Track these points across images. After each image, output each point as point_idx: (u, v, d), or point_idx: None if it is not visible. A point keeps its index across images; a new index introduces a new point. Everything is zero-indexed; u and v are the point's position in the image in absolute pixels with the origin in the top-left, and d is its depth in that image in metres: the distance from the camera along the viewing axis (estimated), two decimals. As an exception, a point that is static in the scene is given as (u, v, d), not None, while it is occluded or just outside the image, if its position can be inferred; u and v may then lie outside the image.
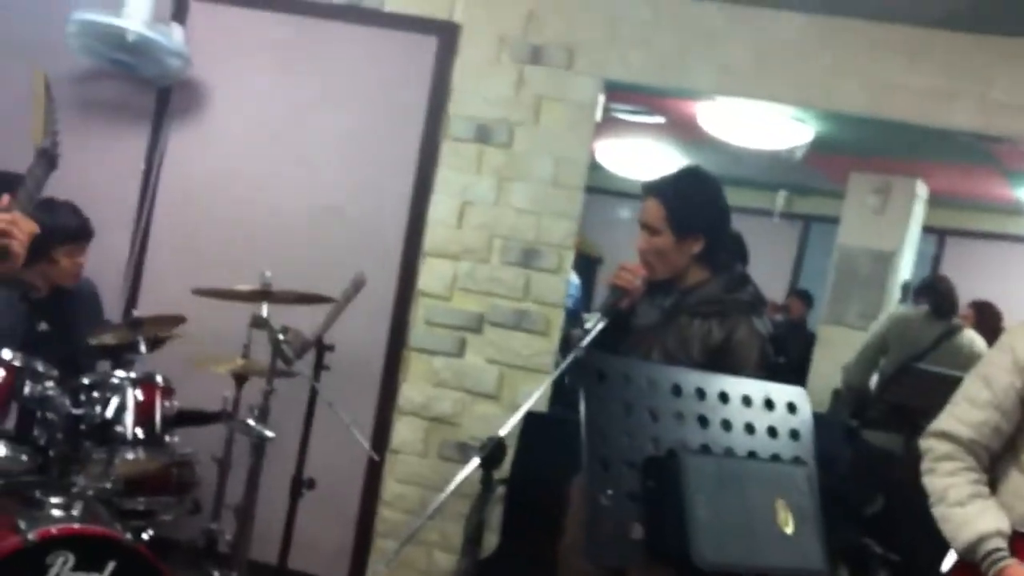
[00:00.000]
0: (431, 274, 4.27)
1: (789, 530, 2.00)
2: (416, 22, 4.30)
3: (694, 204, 2.91)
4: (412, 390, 4.28)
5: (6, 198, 1.99)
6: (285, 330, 3.39)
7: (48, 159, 2.08)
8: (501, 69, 4.26)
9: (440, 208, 4.27)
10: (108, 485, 3.04)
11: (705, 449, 2.06)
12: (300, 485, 3.45)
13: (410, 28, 4.31)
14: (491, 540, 3.87)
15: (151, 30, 4.10)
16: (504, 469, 3.51)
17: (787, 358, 5.49)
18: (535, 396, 2.77)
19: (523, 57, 4.25)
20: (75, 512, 2.89)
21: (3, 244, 1.92)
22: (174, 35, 4.23)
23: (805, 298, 7.64)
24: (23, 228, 1.96)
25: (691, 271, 2.92)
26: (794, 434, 2.17)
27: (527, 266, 4.22)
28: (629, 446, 2.01)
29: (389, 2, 4.33)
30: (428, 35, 4.30)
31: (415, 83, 4.28)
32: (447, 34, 4.28)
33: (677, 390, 2.11)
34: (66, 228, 3.49)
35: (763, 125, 5.38)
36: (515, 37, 4.25)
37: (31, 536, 2.71)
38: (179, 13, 4.37)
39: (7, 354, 3.02)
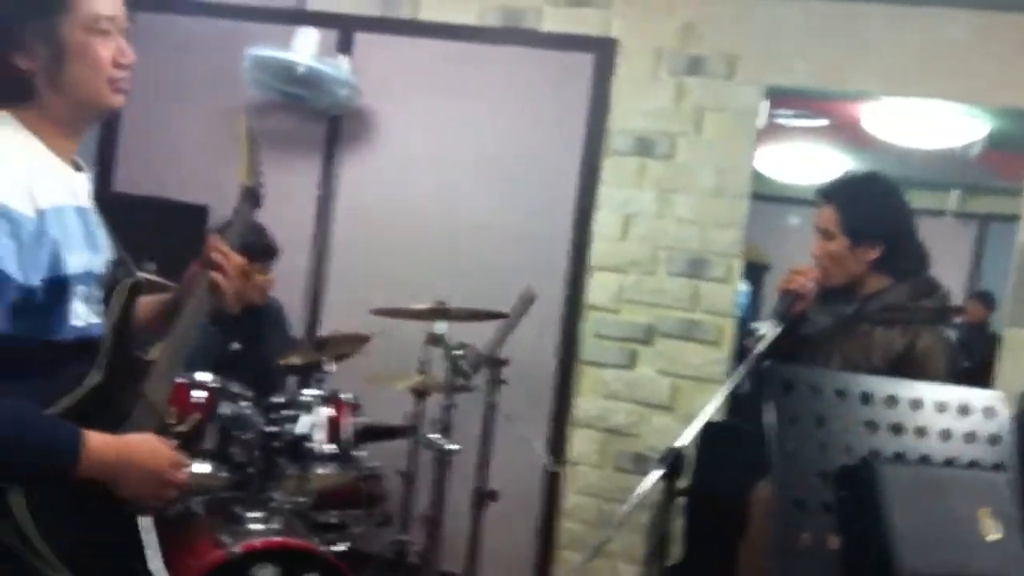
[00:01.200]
0: (598, 287, 4.31)
1: (994, 538, 1.95)
2: (573, 40, 4.36)
3: (869, 210, 2.85)
4: (586, 402, 4.32)
5: (215, 237, 2.03)
6: (461, 346, 3.47)
7: (253, 198, 2.13)
8: (660, 82, 4.28)
9: (604, 222, 4.31)
10: (303, 499, 3.18)
11: (899, 457, 2.03)
12: (483, 497, 3.52)
13: (567, 47, 4.37)
14: (674, 551, 3.87)
15: (320, 62, 4.28)
16: (684, 480, 3.51)
17: (970, 362, 5.27)
18: (713, 405, 2.77)
19: (682, 69, 4.25)
20: (275, 526, 3.04)
21: (215, 279, 1.97)
22: (342, 66, 4.39)
23: (986, 300, 7.29)
24: (233, 263, 2.00)
25: (869, 278, 2.85)
26: (994, 439, 2.11)
27: (694, 276, 4.22)
28: (820, 456, 1.99)
29: (546, 22, 4.40)
30: (586, 52, 4.35)
31: (575, 100, 4.34)
32: (604, 50, 4.32)
33: (867, 398, 2.07)
34: (254, 245, 3.67)
35: (931, 124, 5.20)
36: (673, 49, 4.26)
37: (235, 549, 2.85)
38: (345, 44, 4.55)
39: (205, 376, 3.21)
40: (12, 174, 1.64)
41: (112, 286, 1.86)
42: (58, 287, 1.69)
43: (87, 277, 1.77)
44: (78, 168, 1.83)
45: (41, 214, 1.66)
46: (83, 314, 1.76)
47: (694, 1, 4.25)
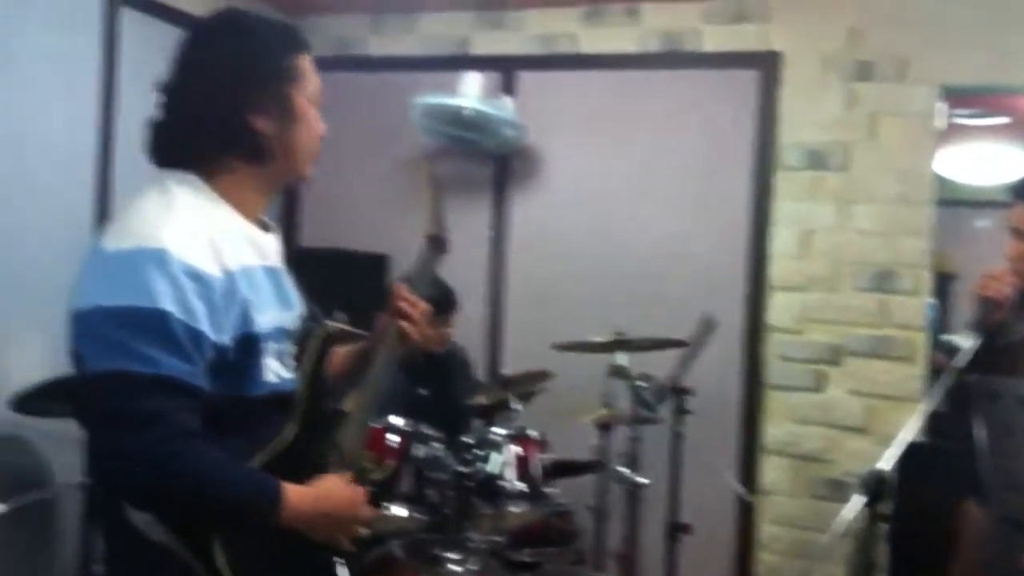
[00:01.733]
0: (779, 308, 4.21)
1: None
2: (735, 57, 4.31)
3: None
4: (775, 428, 4.21)
5: (401, 286, 2.06)
6: (644, 377, 3.44)
7: (439, 245, 2.17)
8: (829, 91, 4.16)
9: (781, 240, 4.21)
10: (498, 538, 3.20)
11: None
12: (677, 530, 3.47)
13: (730, 64, 4.32)
14: (879, 579, 3.72)
15: (485, 104, 4.35)
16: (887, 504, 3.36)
17: None
18: (913, 425, 2.64)
19: (851, 75, 4.13)
20: (472, 566, 3.07)
21: (403, 328, 2.01)
22: (507, 106, 4.45)
23: None
24: (420, 310, 2.03)
25: (1072, 278, 2.68)
26: None
27: (881, 290, 4.06)
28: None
29: (706, 42, 4.35)
30: (749, 68, 4.29)
31: (741, 117, 4.28)
32: (768, 64, 4.25)
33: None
34: (436, 301, 3.72)
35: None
36: (839, 56, 4.15)
37: (436, 590, 2.91)
38: (509, 85, 4.62)
39: (398, 420, 3.28)
40: (201, 237, 1.70)
41: (304, 340, 1.92)
42: (249, 345, 1.75)
43: (278, 334, 1.82)
44: (266, 228, 1.90)
45: (230, 275, 1.72)
46: (276, 369, 1.81)
47: (856, 5, 4.13)
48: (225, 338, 1.69)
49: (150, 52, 3.97)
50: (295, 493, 1.73)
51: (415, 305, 2.03)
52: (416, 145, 4.63)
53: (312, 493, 1.77)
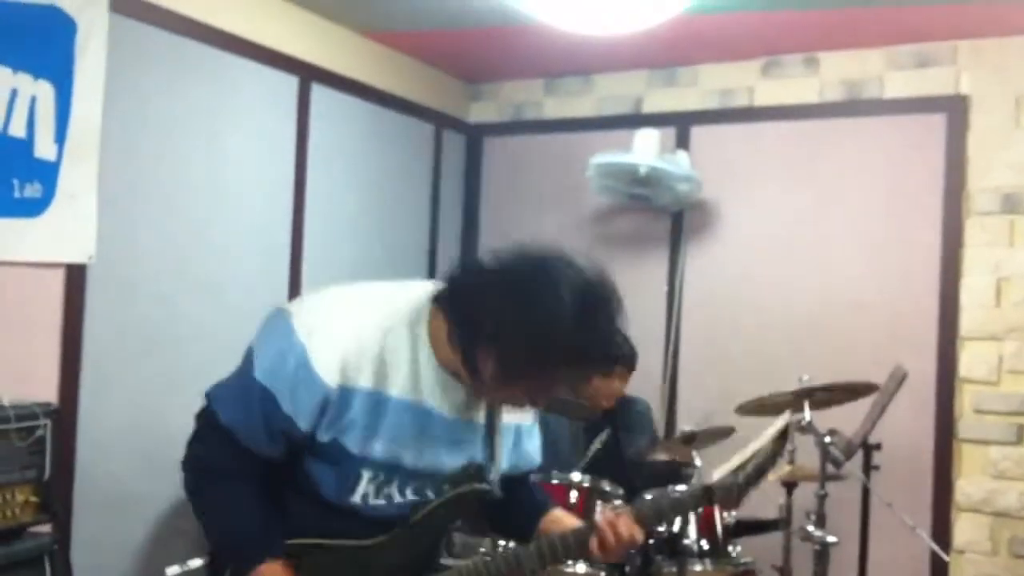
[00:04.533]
0: (973, 359, 4.03)
1: None
2: (920, 103, 4.20)
3: None
4: (969, 484, 4.02)
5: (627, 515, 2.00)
6: (831, 432, 3.35)
7: (714, 497, 2.08)
8: (1021, 132, 3.99)
9: (974, 288, 4.05)
10: (681, 597, 3.16)
11: None
12: (868, 591, 3.34)
13: (914, 110, 4.22)
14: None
15: (660, 161, 4.36)
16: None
17: None
18: None
19: (1043, 116, 3.96)
20: (655, 624, 3.04)
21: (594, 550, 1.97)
22: (681, 162, 4.46)
23: None
24: (625, 541, 1.96)
25: None
26: None
27: (1083, 338, 3.84)
28: None
29: (888, 88, 4.26)
30: (935, 113, 4.17)
31: (928, 163, 4.17)
32: (956, 108, 4.12)
33: None
34: (619, 355, 3.74)
35: None
36: (1031, 97, 3.98)
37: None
38: (683, 140, 4.64)
39: (577, 476, 3.30)
40: (361, 350, 1.81)
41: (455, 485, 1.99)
42: (341, 454, 1.86)
43: (388, 467, 1.90)
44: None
45: (348, 391, 1.81)
46: (367, 494, 1.91)
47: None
48: (323, 436, 1.84)
49: (336, 122, 4.23)
50: (273, 569, 1.86)
51: (620, 530, 1.96)
52: (593, 203, 4.71)
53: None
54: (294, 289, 4.01)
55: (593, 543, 1.97)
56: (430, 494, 1.97)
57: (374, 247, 4.49)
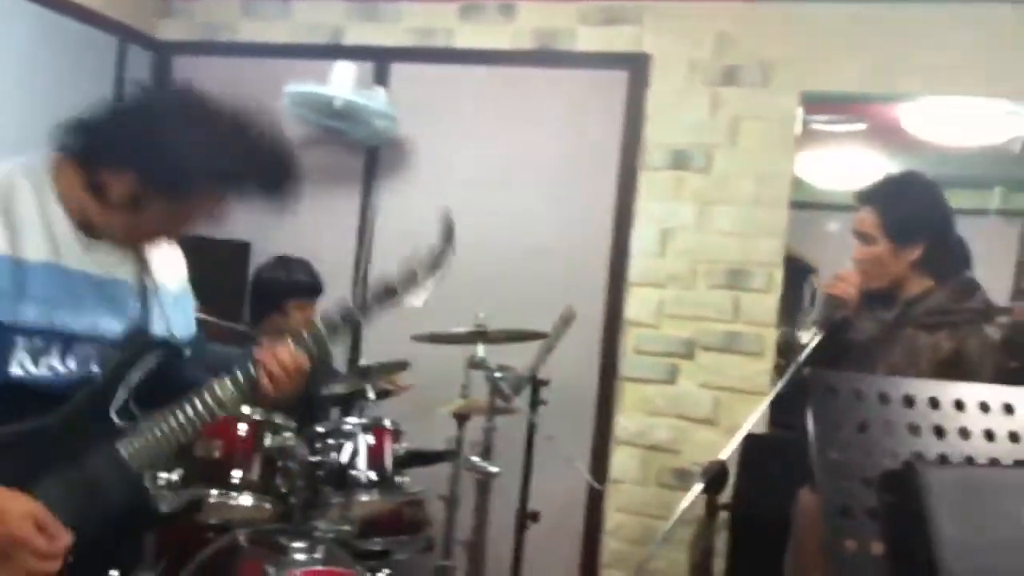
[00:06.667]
0: (638, 303, 4.28)
1: (1042, 538, 1.88)
2: (607, 58, 4.37)
3: (910, 211, 2.82)
4: (627, 419, 4.28)
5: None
6: (502, 368, 3.46)
7: (355, 318, 2.15)
8: (695, 94, 4.26)
9: (642, 238, 4.29)
10: (347, 528, 3.18)
11: (943, 460, 1.97)
12: (525, 518, 3.50)
13: (601, 65, 4.38)
14: (718, 565, 3.81)
15: (357, 95, 4.32)
16: (727, 493, 3.46)
17: (1018, 362, 5.16)
18: (754, 417, 2.74)
19: (716, 79, 4.23)
20: (318, 555, 3.02)
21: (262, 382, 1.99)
22: (379, 97, 4.43)
23: (1034, 298, 7.21)
24: (290, 368, 2.00)
25: (911, 280, 2.81)
26: (1039, 437, 2.05)
27: (735, 288, 4.17)
28: (864, 462, 1.95)
29: (580, 42, 4.41)
30: (619, 69, 4.35)
31: (610, 118, 4.34)
32: (638, 66, 4.32)
33: (910, 401, 2.02)
34: (299, 284, 3.71)
35: (973, 121, 5.12)
36: (706, 60, 4.24)
37: (279, 580, 2.86)
38: (381, 76, 4.59)
39: (247, 409, 3.23)
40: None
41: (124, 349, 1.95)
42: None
43: (44, 332, 1.83)
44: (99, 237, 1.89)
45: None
46: (26, 364, 1.83)
47: (727, 10, 4.23)
48: None
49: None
50: None
51: (283, 359, 1.99)
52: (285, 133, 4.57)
53: None
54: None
55: (263, 377, 1.97)
56: (94, 366, 1.92)
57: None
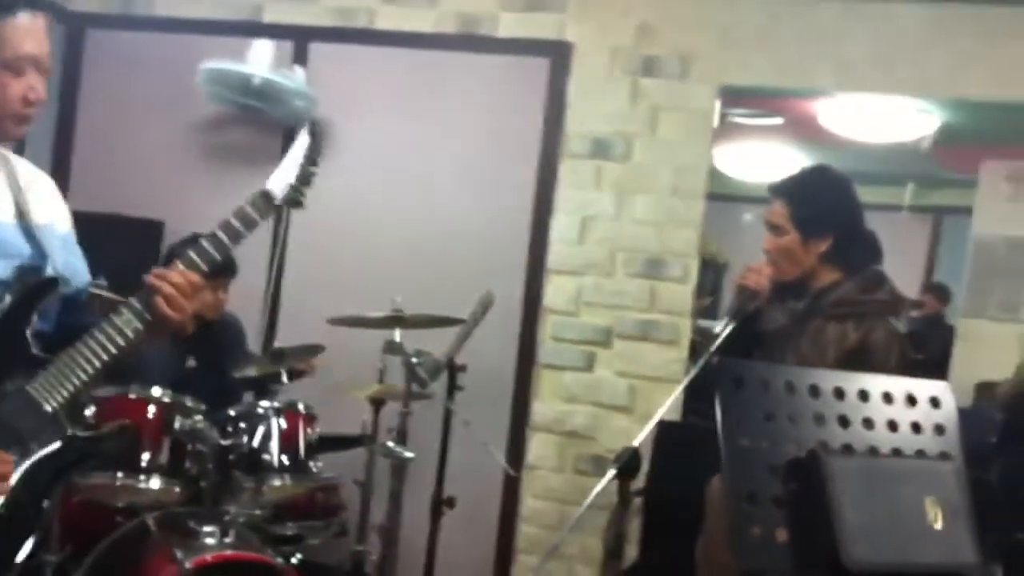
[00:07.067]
0: (556, 290, 4.31)
1: (939, 526, 1.94)
2: (529, 45, 4.36)
3: (819, 203, 2.87)
4: (544, 406, 4.31)
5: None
6: (418, 353, 3.45)
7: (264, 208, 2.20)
8: (615, 83, 4.28)
9: (561, 225, 4.31)
10: (258, 512, 3.15)
11: (847, 449, 2.02)
12: (441, 504, 3.50)
13: (523, 51, 4.37)
14: (631, 551, 3.86)
15: (275, 74, 4.26)
16: (640, 480, 3.51)
17: (926, 355, 5.33)
18: (666, 405, 2.78)
19: (637, 70, 4.26)
20: (228, 539, 3.00)
21: (156, 301, 1.98)
22: (297, 77, 4.37)
23: (941, 292, 7.42)
24: (181, 283, 2.00)
25: (821, 272, 2.87)
26: (939, 429, 2.10)
27: (652, 277, 4.22)
28: (770, 450, 1.99)
29: (502, 28, 4.40)
30: (541, 56, 4.35)
31: (531, 105, 4.34)
32: (559, 53, 4.33)
33: (815, 391, 2.07)
34: (212, 263, 3.63)
35: (886, 119, 5.26)
36: (627, 50, 4.27)
37: (188, 564, 2.81)
38: (300, 55, 4.53)
39: (157, 391, 3.17)
40: None
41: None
42: None
43: None
44: None
45: None
46: None
47: (648, 2, 4.25)
48: None
49: None
50: None
51: (173, 279, 1.99)
52: (201, 111, 4.50)
53: None
54: None
55: (159, 301, 1.96)
56: None
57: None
